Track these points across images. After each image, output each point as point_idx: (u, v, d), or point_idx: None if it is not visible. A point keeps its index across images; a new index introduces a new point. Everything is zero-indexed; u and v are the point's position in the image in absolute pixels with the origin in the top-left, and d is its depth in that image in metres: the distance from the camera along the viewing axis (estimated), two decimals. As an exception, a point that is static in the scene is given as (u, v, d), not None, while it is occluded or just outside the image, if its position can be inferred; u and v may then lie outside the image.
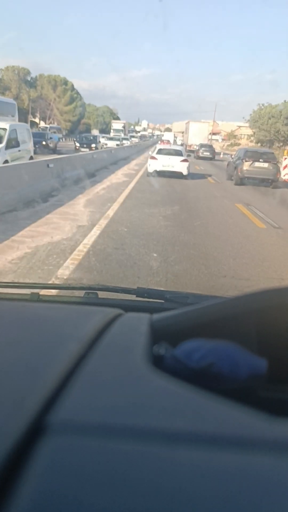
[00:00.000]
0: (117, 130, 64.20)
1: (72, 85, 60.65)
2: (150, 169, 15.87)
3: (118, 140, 39.40)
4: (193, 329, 0.77)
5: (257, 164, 15.87)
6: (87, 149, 24.42)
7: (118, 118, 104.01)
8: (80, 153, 18.03)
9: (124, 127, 69.39)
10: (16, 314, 0.84)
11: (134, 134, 66.55)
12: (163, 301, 1.30)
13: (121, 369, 0.58)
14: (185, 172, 15.91)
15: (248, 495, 0.37)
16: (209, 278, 4.64)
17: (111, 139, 40.03)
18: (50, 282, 4.12)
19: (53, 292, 1.97)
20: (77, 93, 62.12)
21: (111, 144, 35.73)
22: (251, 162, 15.82)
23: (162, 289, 1.61)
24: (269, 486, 0.39)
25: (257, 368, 0.69)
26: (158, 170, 15.73)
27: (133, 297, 1.36)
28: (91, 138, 29.60)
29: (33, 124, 54.00)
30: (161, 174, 15.58)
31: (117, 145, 34.80)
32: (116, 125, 70.36)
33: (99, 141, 29.42)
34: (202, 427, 0.46)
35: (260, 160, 15.91)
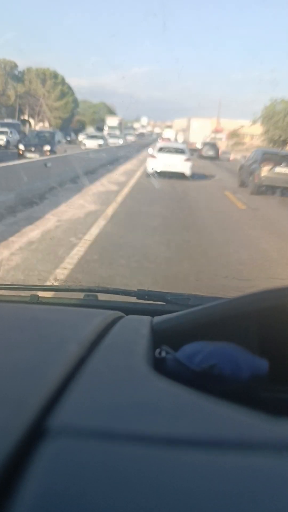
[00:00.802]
0: (112, 128, 56.77)
1: (63, 79, 53.76)
2: (150, 169, 14.51)
3: (102, 138, 31.02)
4: (194, 331, 0.77)
5: (278, 169, 13.06)
6: (37, 154, 16.18)
7: (116, 115, 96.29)
8: (23, 160, 10.68)
9: (120, 123, 61.57)
10: (16, 316, 0.84)
11: (131, 131, 57.77)
12: (164, 303, 1.29)
13: (122, 372, 0.59)
14: (188, 173, 14.78)
15: (250, 496, 0.37)
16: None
17: (92, 137, 31.43)
18: (49, 284, 3.68)
19: (53, 294, 1.65)
20: (69, 87, 55.25)
21: (91, 144, 26.89)
22: (271, 166, 12.99)
23: (163, 291, 1.43)
24: (271, 487, 0.39)
25: (259, 369, 0.70)
26: (158, 170, 14.29)
27: (133, 299, 1.36)
28: (45, 136, 19.90)
29: (24, 122, 47.05)
30: (161, 175, 13.87)
31: (99, 145, 26.91)
32: (111, 121, 63.56)
33: (60, 141, 20.20)
34: (204, 429, 0.46)
35: (282, 164, 13.11)
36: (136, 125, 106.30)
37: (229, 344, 0.73)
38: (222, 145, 71.37)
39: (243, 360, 0.71)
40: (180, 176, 14.26)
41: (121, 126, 62.07)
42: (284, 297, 0.77)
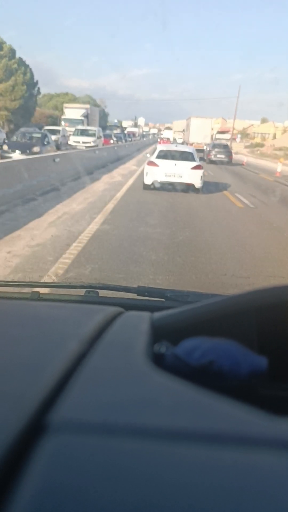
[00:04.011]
0: (72, 121, 36.91)
1: (12, 51, 35.23)
2: (148, 180, 12.08)
3: None
4: (193, 327, 0.81)
5: None
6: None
7: (106, 114, 75.68)
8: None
9: (86, 116, 41.28)
10: (17, 313, 0.87)
11: (88, 129, 30.77)
12: (163, 299, 1.36)
13: (122, 367, 0.62)
14: (198, 184, 12.03)
15: (248, 492, 0.39)
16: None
17: None
18: (50, 281, 4.21)
19: (54, 290, 1.76)
20: (21, 63, 37.05)
21: None
22: None
23: (162, 287, 1.56)
24: (269, 484, 0.40)
25: (258, 366, 0.72)
26: (159, 180, 11.95)
27: (133, 296, 1.42)
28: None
29: None
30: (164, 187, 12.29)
31: None
32: (71, 111, 41.85)
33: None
34: (203, 425, 0.48)
35: None
36: (126, 123, 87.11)
37: (228, 340, 0.75)
38: (238, 148, 59.98)
39: (242, 357, 0.72)
40: (187, 189, 12.10)
41: (88, 119, 40.79)
42: (283, 295, 0.79)
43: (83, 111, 41.00)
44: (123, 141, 40.01)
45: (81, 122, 36.15)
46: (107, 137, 34.77)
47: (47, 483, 0.38)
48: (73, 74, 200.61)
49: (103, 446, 0.43)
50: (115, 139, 37.25)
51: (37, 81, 48.54)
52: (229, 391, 0.60)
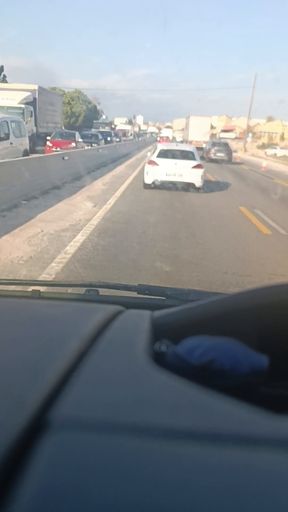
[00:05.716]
0: (4, 110, 19.07)
1: None
2: (148, 179, 12.19)
3: None
4: (194, 326, 0.82)
5: None
6: None
7: (98, 111, 66.84)
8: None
9: (32, 103, 23.13)
10: (17, 311, 0.88)
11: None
12: (164, 298, 1.38)
13: (123, 366, 0.62)
14: (198, 183, 12.20)
15: (249, 491, 0.39)
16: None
17: None
18: (50, 279, 4.44)
19: (54, 289, 1.78)
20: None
21: None
22: None
23: (163, 286, 1.56)
24: (270, 482, 0.41)
25: (258, 365, 0.73)
26: (160, 180, 12.08)
27: (134, 294, 1.44)
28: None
29: None
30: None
31: None
32: (5, 95, 22.21)
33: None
34: (204, 423, 0.48)
35: None
36: (119, 120, 78.70)
37: (229, 339, 0.76)
38: (253, 150, 54.17)
39: (242, 355, 0.72)
40: (187, 188, 12.46)
41: (40, 109, 24.50)
42: (284, 294, 0.79)
43: (25, 94, 23.35)
44: (102, 142, 27.15)
45: (20, 112, 20.11)
46: (70, 137, 21.95)
47: (48, 481, 0.38)
48: (73, 74, 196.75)
49: (103, 444, 0.43)
50: (80, 140, 22.46)
51: (2, 67, 39.90)
52: (230, 389, 0.60)
